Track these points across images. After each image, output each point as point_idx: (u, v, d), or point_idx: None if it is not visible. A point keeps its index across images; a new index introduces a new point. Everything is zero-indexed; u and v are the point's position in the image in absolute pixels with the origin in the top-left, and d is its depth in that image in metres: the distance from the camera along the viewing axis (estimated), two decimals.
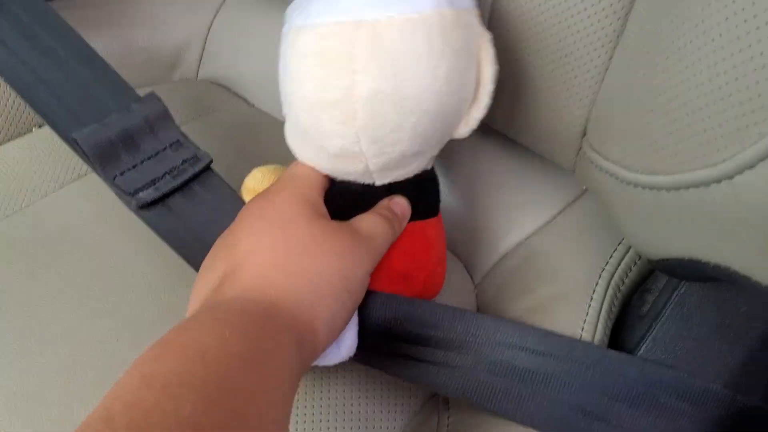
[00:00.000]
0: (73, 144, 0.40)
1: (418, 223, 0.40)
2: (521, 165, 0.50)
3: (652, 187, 0.31)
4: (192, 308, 0.32)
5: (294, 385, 0.28)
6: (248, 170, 0.54)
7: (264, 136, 0.59)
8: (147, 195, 0.39)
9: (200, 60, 0.65)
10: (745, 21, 0.23)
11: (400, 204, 0.38)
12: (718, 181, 0.26)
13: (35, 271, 0.45)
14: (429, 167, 0.40)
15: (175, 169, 0.41)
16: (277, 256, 0.31)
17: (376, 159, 0.35)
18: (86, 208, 0.50)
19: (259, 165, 0.55)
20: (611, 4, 0.32)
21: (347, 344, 0.35)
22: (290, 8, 0.36)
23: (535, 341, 0.35)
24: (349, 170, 0.37)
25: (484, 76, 0.36)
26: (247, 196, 0.41)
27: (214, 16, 0.65)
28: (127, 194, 0.39)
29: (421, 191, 0.40)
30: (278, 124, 0.61)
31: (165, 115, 0.43)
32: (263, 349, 0.26)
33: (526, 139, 0.45)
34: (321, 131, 0.34)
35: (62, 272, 0.45)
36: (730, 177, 0.25)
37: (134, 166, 0.40)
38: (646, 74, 0.29)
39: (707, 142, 0.26)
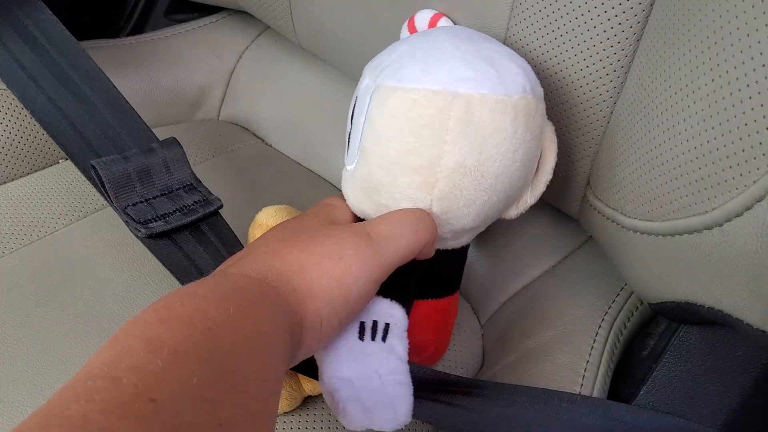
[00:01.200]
0: (91, 172, 0.42)
1: (441, 301, 0.40)
2: (529, 212, 0.52)
3: (649, 233, 0.33)
4: None
5: (283, 372, 0.28)
6: (262, 205, 0.57)
7: (280, 175, 0.61)
8: (156, 226, 0.41)
9: (222, 101, 0.68)
10: (729, 83, 0.25)
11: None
12: (710, 228, 0.28)
13: (53, 295, 0.47)
14: (468, 243, 0.40)
15: (186, 207, 0.42)
16: (280, 247, 0.31)
17: (438, 228, 0.35)
18: (104, 238, 0.52)
19: (273, 201, 0.58)
20: (611, 63, 0.34)
21: (404, 408, 0.34)
22: (373, 65, 0.37)
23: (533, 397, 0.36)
24: None
25: (547, 165, 0.37)
26: (257, 230, 0.43)
27: (237, 61, 0.69)
28: (137, 223, 0.40)
29: (453, 264, 0.41)
30: (293, 164, 0.64)
31: (182, 159, 0.45)
32: (263, 331, 0.26)
33: None
34: (394, 192, 0.34)
35: (78, 297, 0.47)
36: (720, 224, 0.27)
37: (147, 200, 0.42)
38: (644, 128, 0.32)
39: (699, 191, 0.28)
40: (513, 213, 0.39)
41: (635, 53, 0.33)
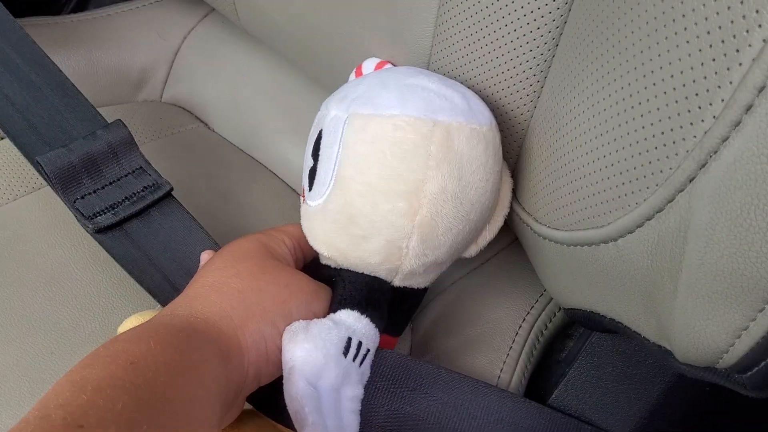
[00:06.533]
0: (37, 167, 0.42)
1: (393, 339, 0.40)
2: None
3: (554, 241, 0.33)
4: None
5: (222, 396, 0.29)
6: (202, 192, 0.56)
7: (220, 161, 0.60)
8: (105, 219, 0.40)
9: (165, 83, 0.67)
10: (623, 99, 0.25)
11: None
12: (606, 242, 0.28)
13: None
14: (427, 285, 0.39)
15: (135, 195, 0.42)
16: (217, 278, 0.33)
17: (415, 260, 0.34)
18: (39, 219, 0.50)
19: (214, 188, 0.57)
20: (531, 67, 0.34)
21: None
22: (338, 97, 0.36)
23: (445, 389, 0.36)
24: (377, 268, 0.35)
25: (505, 199, 0.38)
26: None
27: (182, 42, 0.67)
28: (85, 218, 0.40)
29: (413, 305, 0.40)
30: (235, 150, 0.62)
31: (129, 141, 0.44)
32: (189, 360, 0.28)
33: None
34: (375, 220, 0.33)
35: (6, 280, 0.46)
36: (615, 239, 0.27)
37: (95, 191, 0.42)
38: (552, 137, 0.31)
39: (596, 205, 0.28)
40: (473, 250, 0.39)
41: (552, 60, 0.33)
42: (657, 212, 0.24)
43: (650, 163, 0.24)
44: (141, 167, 0.44)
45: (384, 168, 0.32)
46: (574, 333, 0.42)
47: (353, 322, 0.34)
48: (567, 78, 0.30)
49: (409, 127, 0.32)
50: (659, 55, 0.23)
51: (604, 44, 0.26)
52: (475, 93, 0.37)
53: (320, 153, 0.35)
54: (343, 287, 0.36)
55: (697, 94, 0.21)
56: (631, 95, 0.24)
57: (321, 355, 0.31)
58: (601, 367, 0.38)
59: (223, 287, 0.32)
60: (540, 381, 0.41)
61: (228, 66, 0.65)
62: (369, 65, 0.42)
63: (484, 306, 0.45)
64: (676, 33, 0.22)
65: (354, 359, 0.33)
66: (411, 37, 0.39)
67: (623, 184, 0.26)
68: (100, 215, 0.41)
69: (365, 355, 0.34)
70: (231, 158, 0.60)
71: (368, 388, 0.34)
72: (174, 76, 0.66)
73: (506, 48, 0.34)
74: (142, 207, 0.41)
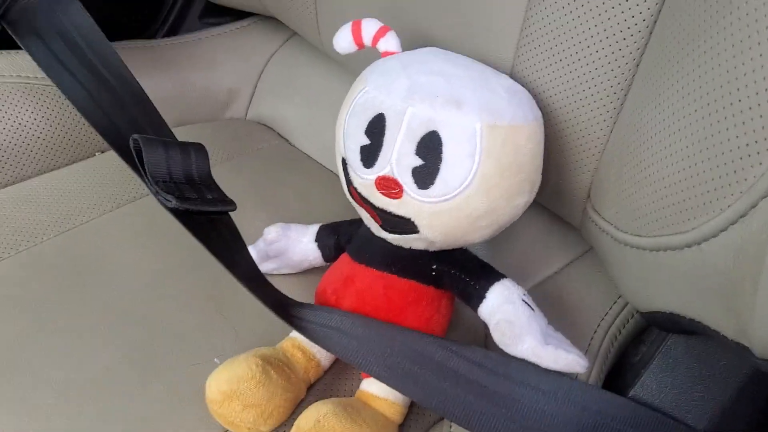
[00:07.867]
0: (130, 144, 0.45)
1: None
2: (535, 220, 0.54)
3: (636, 247, 0.35)
4: None
5: None
6: (286, 201, 0.59)
7: (302, 175, 0.64)
8: (181, 204, 0.42)
9: (250, 101, 0.72)
10: (710, 114, 0.27)
11: None
12: (689, 246, 0.30)
13: (87, 281, 0.50)
14: None
15: (205, 199, 0.45)
16: None
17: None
18: (134, 229, 0.55)
19: (294, 201, 0.60)
20: (612, 86, 0.37)
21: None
22: (406, 88, 0.37)
23: (536, 378, 0.38)
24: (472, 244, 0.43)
25: None
26: None
27: (266, 64, 0.72)
28: (167, 193, 0.42)
29: None
30: (316, 165, 0.66)
31: (206, 160, 0.47)
32: None
33: (541, 198, 0.49)
34: (505, 213, 0.39)
35: (109, 283, 0.50)
36: (698, 243, 0.29)
37: (174, 182, 0.45)
38: (636, 149, 0.34)
39: (681, 211, 0.30)
40: None
41: (633, 78, 0.36)
42: (741, 217, 0.27)
43: (735, 172, 0.26)
44: (211, 184, 0.46)
45: (522, 173, 0.38)
46: (647, 339, 0.44)
47: (510, 284, 0.41)
48: (651, 92, 0.33)
49: (533, 134, 0.38)
50: (748, 73, 0.25)
51: (692, 57, 0.29)
52: (557, 107, 0.40)
53: (443, 155, 0.36)
54: (470, 264, 0.43)
55: None
56: (717, 111, 0.27)
57: (525, 319, 0.39)
58: (676, 369, 0.39)
59: None
60: (614, 384, 0.43)
61: (308, 86, 0.69)
62: (370, 26, 0.43)
63: (559, 313, 0.46)
64: (760, 43, 0.24)
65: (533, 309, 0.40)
66: (495, 48, 0.42)
67: (708, 192, 0.28)
68: (180, 200, 0.42)
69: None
70: (312, 171, 0.64)
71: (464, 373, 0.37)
72: (258, 95, 0.71)
73: (591, 65, 0.37)
74: (214, 210, 0.44)
